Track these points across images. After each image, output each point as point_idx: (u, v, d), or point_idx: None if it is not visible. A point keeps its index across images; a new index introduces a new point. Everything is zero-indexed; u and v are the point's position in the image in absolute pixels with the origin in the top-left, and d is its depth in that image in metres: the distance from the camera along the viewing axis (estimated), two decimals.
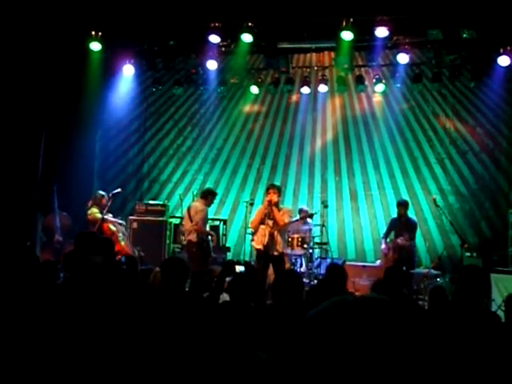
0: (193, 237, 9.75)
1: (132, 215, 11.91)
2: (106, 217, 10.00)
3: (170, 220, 12.01)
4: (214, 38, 11.07)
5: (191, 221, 9.82)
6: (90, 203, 10.30)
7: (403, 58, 11.14)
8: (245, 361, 2.19)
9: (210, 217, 12.63)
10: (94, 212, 10.11)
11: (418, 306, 6.69)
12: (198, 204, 10.00)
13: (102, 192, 10.50)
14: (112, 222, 10.22)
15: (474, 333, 3.71)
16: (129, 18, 10.83)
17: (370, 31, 10.45)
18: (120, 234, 10.16)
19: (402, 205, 10.82)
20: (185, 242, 10.08)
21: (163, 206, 11.99)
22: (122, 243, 10.06)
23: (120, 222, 10.59)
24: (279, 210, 9.06)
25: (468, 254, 11.01)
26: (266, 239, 8.89)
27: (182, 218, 11.24)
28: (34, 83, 10.64)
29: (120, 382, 3.44)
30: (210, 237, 9.94)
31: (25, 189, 10.66)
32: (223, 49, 11.85)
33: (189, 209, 10.08)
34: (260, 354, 2.31)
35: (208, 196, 10.07)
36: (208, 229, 10.35)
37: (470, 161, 12.63)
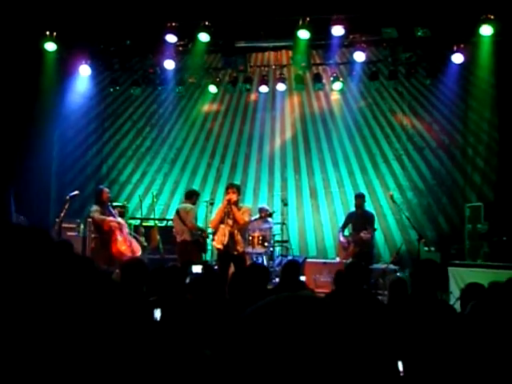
0: (187, 236, 10.02)
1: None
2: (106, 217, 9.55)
3: (130, 221, 11.86)
4: (171, 38, 11.02)
5: (182, 222, 10.07)
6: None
7: (359, 56, 11.26)
8: (189, 358, 2.20)
9: (169, 217, 12.64)
10: (94, 211, 9.63)
11: (377, 300, 6.75)
12: (187, 205, 10.26)
13: (101, 186, 10.37)
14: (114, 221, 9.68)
15: (429, 325, 3.77)
16: (84, 18, 10.69)
17: (326, 30, 10.54)
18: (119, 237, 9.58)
19: (359, 196, 10.91)
20: (179, 241, 10.19)
21: (123, 207, 11.83)
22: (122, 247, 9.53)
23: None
24: (239, 208, 9.05)
25: (426, 248, 11.20)
26: (226, 238, 8.87)
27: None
28: None
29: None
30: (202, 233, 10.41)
31: None
32: (180, 48, 11.81)
33: (178, 211, 10.31)
34: (205, 352, 2.31)
35: (192, 196, 10.41)
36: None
37: (427, 157, 12.83)
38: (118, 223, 9.52)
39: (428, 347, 3.68)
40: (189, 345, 2.58)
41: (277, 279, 10.08)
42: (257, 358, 1.06)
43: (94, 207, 9.68)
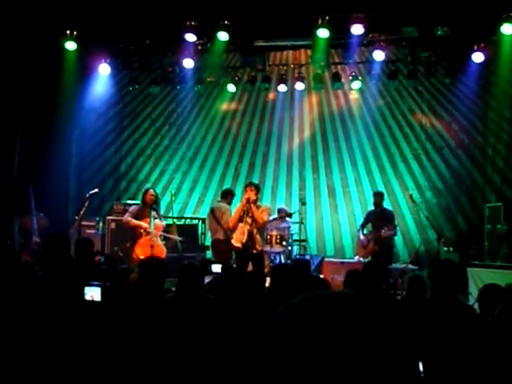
0: (220, 235, 10.06)
1: (110, 215, 11.82)
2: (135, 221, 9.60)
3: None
4: (190, 37, 11.04)
5: (217, 222, 10.13)
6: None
7: (379, 55, 11.22)
8: (217, 355, 2.21)
9: (187, 215, 12.67)
10: (128, 211, 9.86)
11: (395, 300, 6.73)
12: (222, 205, 10.29)
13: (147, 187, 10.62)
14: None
15: (449, 326, 3.76)
16: (104, 17, 10.75)
17: (345, 29, 10.51)
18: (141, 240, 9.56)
19: (378, 195, 10.85)
20: (212, 239, 10.38)
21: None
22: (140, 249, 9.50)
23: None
24: (258, 207, 9.06)
25: (445, 248, 11.14)
26: (245, 237, 8.89)
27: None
28: (8, 83, 10.53)
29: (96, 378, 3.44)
30: None
31: (0, 190, 10.54)
32: (199, 47, 11.84)
33: (212, 210, 10.38)
34: (233, 348, 2.32)
35: (227, 195, 10.43)
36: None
37: (446, 156, 12.76)
38: (144, 227, 9.53)
39: (449, 349, 3.66)
40: (212, 342, 2.61)
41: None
42: (289, 358, 1.07)
43: (131, 208, 9.95)
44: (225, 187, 13.41)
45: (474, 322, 3.95)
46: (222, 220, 10.03)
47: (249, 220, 8.95)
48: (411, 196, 10.71)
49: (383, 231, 10.04)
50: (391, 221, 10.45)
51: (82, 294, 4.60)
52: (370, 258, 10.13)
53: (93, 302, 4.59)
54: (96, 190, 10.37)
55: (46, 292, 4.05)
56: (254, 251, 9.00)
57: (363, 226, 10.98)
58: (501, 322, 3.05)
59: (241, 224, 9.00)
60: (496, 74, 11.69)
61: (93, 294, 4.64)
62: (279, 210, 11.14)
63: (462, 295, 7.13)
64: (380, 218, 10.52)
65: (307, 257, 10.86)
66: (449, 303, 4.11)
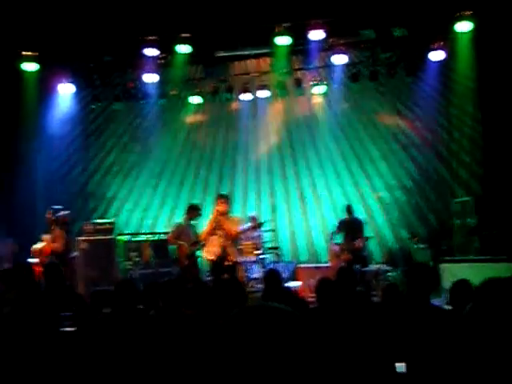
0: (181, 252, 9.73)
1: (80, 236, 11.67)
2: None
3: (120, 237, 11.81)
4: (151, 51, 11.03)
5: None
6: None
7: (340, 59, 11.34)
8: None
9: (161, 230, 12.52)
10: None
11: (371, 303, 6.77)
12: (182, 222, 9.90)
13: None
14: None
15: (421, 330, 3.82)
16: (63, 36, 10.66)
17: (305, 35, 10.60)
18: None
19: (347, 210, 10.77)
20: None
21: (111, 223, 11.78)
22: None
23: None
24: (229, 219, 9.03)
25: (417, 245, 11.24)
26: (219, 249, 8.86)
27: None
28: None
29: None
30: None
31: None
32: (161, 61, 11.80)
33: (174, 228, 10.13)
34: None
35: (189, 211, 9.88)
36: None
37: (413, 154, 12.87)
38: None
39: (422, 350, 3.71)
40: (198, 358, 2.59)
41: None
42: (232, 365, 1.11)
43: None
44: (194, 199, 13.38)
45: (444, 326, 4.01)
46: (180, 238, 9.70)
47: (221, 232, 8.92)
48: (380, 198, 10.76)
49: (356, 243, 10.00)
50: (360, 230, 10.41)
51: (58, 324, 4.46)
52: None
53: (68, 332, 4.46)
54: (67, 211, 10.24)
55: (14, 331, 3.89)
56: (228, 263, 8.97)
57: (335, 234, 10.82)
58: (469, 323, 3.08)
59: (213, 236, 8.96)
60: (455, 71, 11.86)
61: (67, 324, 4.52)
62: (251, 218, 11.10)
63: (436, 291, 7.18)
64: (350, 228, 10.46)
65: (281, 264, 10.88)
66: (421, 307, 4.17)
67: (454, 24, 10.19)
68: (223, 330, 1.19)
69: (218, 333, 1.20)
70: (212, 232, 9.00)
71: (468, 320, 3.12)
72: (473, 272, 8.80)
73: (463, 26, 10.22)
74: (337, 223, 11.00)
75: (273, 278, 6.21)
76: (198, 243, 9.40)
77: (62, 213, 10.11)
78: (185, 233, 9.68)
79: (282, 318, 1.19)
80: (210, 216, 9.33)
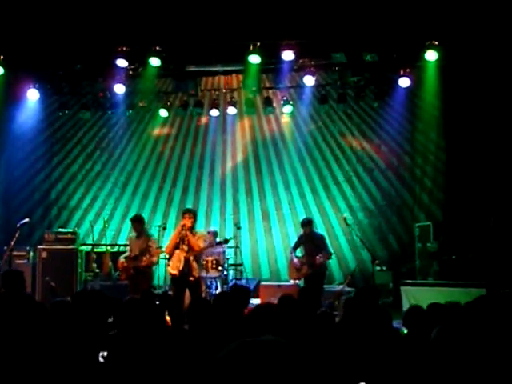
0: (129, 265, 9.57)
1: (41, 244, 11.48)
2: None
3: (81, 248, 11.67)
4: (122, 62, 10.97)
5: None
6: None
7: (309, 80, 11.44)
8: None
9: (121, 242, 12.38)
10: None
11: (334, 323, 6.79)
12: (131, 234, 9.94)
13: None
14: None
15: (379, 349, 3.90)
16: (33, 42, 10.55)
17: (276, 54, 10.69)
18: None
19: (305, 224, 10.48)
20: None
21: (73, 233, 11.63)
22: None
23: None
24: (194, 234, 9.00)
25: (378, 268, 11.34)
26: (182, 264, 8.81)
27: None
28: None
29: None
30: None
31: None
32: (131, 72, 11.75)
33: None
34: None
35: (134, 223, 9.81)
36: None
37: (377, 178, 13.07)
38: None
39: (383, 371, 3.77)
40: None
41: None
42: None
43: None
44: (158, 212, 13.34)
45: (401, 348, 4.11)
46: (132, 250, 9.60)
47: (185, 247, 8.87)
48: (345, 219, 10.81)
49: (318, 258, 9.95)
50: (324, 245, 10.35)
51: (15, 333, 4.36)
52: (302, 280, 10.21)
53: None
54: (26, 219, 10.06)
55: None
56: (191, 278, 8.92)
57: (295, 248, 10.77)
58: (441, 345, 3.14)
59: (177, 251, 8.91)
60: (421, 98, 12.14)
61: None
62: (211, 233, 11.00)
63: (397, 313, 7.27)
64: (311, 242, 10.41)
65: (243, 281, 10.87)
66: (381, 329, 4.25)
67: (422, 52, 10.41)
68: (221, 365, 1.19)
69: (215, 368, 1.20)
70: (176, 246, 8.95)
71: (437, 344, 3.19)
72: (432, 295, 8.97)
73: (431, 56, 10.45)
74: (296, 238, 10.95)
75: (244, 295, 6.19)
76: (137, 257, 9.33)
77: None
78: (131, 245, 9.70)
79: (278, 352, 1.21)
80: (175, 230, 9.28)
